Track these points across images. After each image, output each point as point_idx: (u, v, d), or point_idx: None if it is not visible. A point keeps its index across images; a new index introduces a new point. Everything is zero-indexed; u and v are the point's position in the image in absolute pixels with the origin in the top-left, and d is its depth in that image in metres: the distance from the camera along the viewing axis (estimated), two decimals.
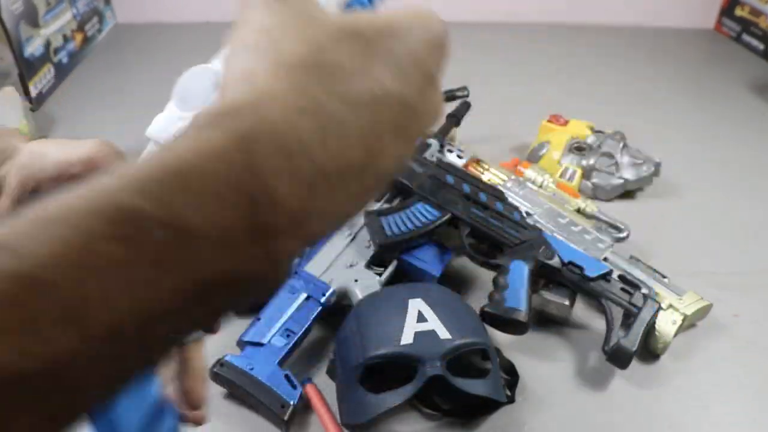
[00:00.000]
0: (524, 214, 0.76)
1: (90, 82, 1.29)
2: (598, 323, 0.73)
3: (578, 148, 0.98)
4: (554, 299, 0.71)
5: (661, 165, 0.98)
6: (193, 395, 0.39)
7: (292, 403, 0.59)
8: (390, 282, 0.71)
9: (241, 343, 0.63)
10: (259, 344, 0.62)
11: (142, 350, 0.17)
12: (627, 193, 0.98)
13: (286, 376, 0.60)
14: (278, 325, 0.64)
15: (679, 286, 0.74)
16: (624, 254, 0.78)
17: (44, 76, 1.20)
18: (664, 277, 0.76)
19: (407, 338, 0.57)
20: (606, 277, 0.70)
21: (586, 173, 0.96)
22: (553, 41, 1.58)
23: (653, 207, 0.97)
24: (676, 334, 0.69)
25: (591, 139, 0.99)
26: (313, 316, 0.66)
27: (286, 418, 0.58)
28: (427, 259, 0.73)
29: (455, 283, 0.77)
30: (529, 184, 0.86)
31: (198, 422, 0.38)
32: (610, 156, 0.96)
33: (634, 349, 0.64)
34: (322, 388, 0.63)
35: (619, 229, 0.83)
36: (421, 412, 0.62)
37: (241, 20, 0.23)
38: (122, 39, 1.49)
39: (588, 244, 0.77)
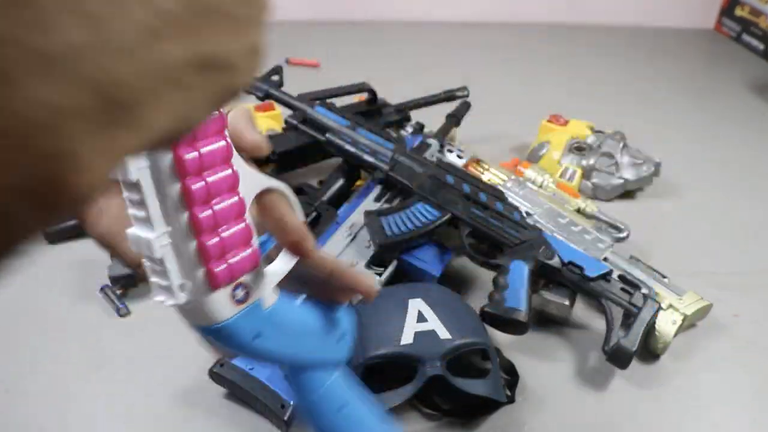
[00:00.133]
0: (524, 214, 0.76)
1: None
2: (598, 323, 0.73)
3: (578, 148, 0.98)
4: (554, 299, 0.71)
5: (661, 165, 0.98)
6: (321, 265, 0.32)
7: (292, 403, 0.59)
8: (390, 282, 0.71)
9: None
10: None
11: None
12: (627, 193, 0.98)
13: (286, 376, 0.60)
14: None
15: (679, 286, 0.74)
16: (624, 254, 0.78)
17: None
18: (664, 277, 0.76)
19: (407, 338, 0.57)
20: (606, 277, 0.70)
21: (586, 173, 0.96)
22: (553, 41, 1.58)
23: (653, 207, 0.97)
24: (676, 334, 0.69)
25: (591, 139, 0.99)
26: None
27: (286, 418, 0.58)
28: (427, 259, 0.73)
29: (455, 283, 0.77)
30: (529, 184, 0.86)
31: (368, 294, 0.34)
32: (610, 156, 0.96)
33: (634, 349, 0.64)
34: None
35: (619, 229, 0.83)
36: (421, 412, 0.62)
37: None
38: None
39: (588, 244, 0.77)
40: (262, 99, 0.88)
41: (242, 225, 0.28)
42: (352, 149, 0.79)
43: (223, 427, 0.60)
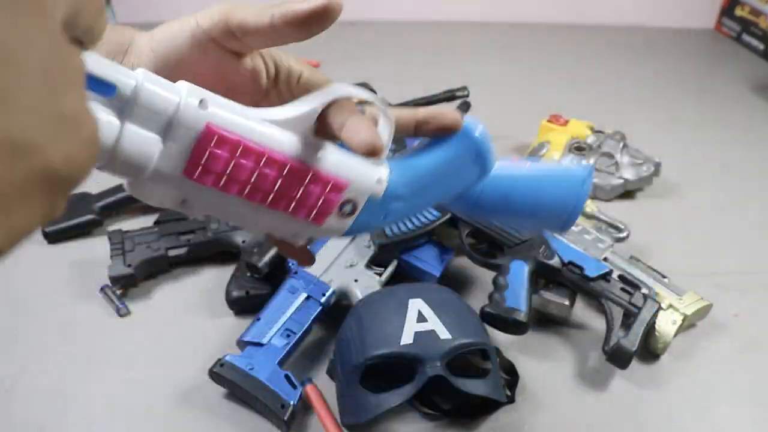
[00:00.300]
0: None
1: None
2: (598, 323, 0.73)
3: (578, 148, 0.98)
4: (554, 299, 0.71)
5: (661, 165, 0.98)
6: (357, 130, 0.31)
7: (292, 403, 0.59)
8: (390, 282, 0.71)
9: (241, 343, 0.64)
10: (259, 344, 0.62)
11: None
12: (627, 193, 0.98)
13: (286, 376, 0.60)
14: (278, 325, 0.64)
15: (679, 286, 0.74)
16: (624, 254, 0.78)
17: None
18: (664, 277, 0.76)
19: (407, 338, 0.57)
20: (606, 277, 0.70)
21: None
22: (553, 41, 1.58)
23: (653, 207, 0.97)
24: (676, 334, 0.69)
25: (591, 139, 0.99)
26: (313, 316, 0.66)
27: (286, 418, 0.58)
28: (427, 259, 0.73)
29: (455, 283, 0.77)
30: None
31: (456, 125, 0.34)
32: (610, 156, 0.96)
33: (634, 349, 0.64)
34: (322, 388, 0.63)
35: (619, 229, 0.83)
36: (421, 412, 0.62)
37: None
38: None
39: (588, 244, 0.77)
40: None
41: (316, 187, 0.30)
42: None
43: (223, 427, 0.60)
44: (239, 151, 0.28)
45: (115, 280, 0.73)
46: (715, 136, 1.18)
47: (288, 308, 0.66)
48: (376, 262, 0.72)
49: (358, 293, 0.67)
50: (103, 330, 0.70)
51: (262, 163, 0.29)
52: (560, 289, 0.72)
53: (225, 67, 0.33)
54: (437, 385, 0.57)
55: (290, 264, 0.70)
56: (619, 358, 0.64)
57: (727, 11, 1.65)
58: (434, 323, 0.59)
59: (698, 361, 0.71)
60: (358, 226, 0.33)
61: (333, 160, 0.31)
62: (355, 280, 0.69)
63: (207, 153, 0.27)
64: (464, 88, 1.00)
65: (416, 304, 0.60)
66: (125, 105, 0.26)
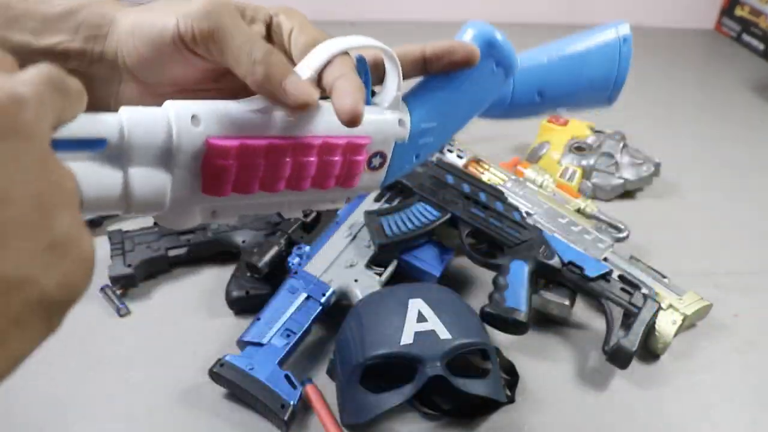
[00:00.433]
0: (524, 214, 0.76)
1: None
2: (598, 323, 0.73)
3: (578, 148, 0.98)
4: (554, 299, 0.71)
5: (661, 165, 0.98)
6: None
7: (292, 403, 0.59)
8: (390, 282, 0.71)
9: (241, 343, 0.63)
10: (259, 344, 0.62)
11: None
12: (627, 193, 0.98)
13: (286, 376, 0.60)
14: (278, 325, 0.64)
15: (679, 286, 0.74)
16: (624, 254, 0.78)
17: None
18: (664, 277, 0.76)
19: (407, 338, 0.57)
20: (606, 277, 0.70)
21: (586, 173, 0.96)
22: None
23: (653, 207, 0.97)
24: (676, 334, 0.69)
25: (591, 139, 0.99)
26: (313, 316, 0.66)
27: (286, 418, 0.58)
28: (427, 259, 0.73)
29: (455, 283, 0.77)
30: (529, 184, 0.86)
31: (472, 57, 0.32)
32: (610, 156, 0.96)
33: (634, 349, 0.64)
34: (322, 388, 0.63)
35: (619, 229, 0.83)
36: (421, 412, 0.62)
37: None
38: None
39: (588, 244, 0.77)
40: None
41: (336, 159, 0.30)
42: None
43: (223, 427, 0.60)
44: (246, 152, 0.28)
45: (115, 280, 0.73)
46: (715, 136, 1.18)
47: (288, 308, 0.65)
48: (376, 262, 0.72)
49: (358, 293, 0.67)
50: (103, 330, 0.70)
51: (270, 154, 0.28)
52: (560, 289, 0.72)
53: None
54: (437, 385, 0.57)
55: (290, 264, 0.70)
56: (619, 358, 0.64)
57: (727, 11, 1.65)
58: (434, 323, 0.59)
59: (698, 361, 0.71)
60: (393, 172, 0.32)
61: (339, 125, 0.30)
62: (355, 280, 0.69)
63: (216, 167, 0.27)
64: None
65: (416, 304, 0.60)
66: (121, 152, 0.25)
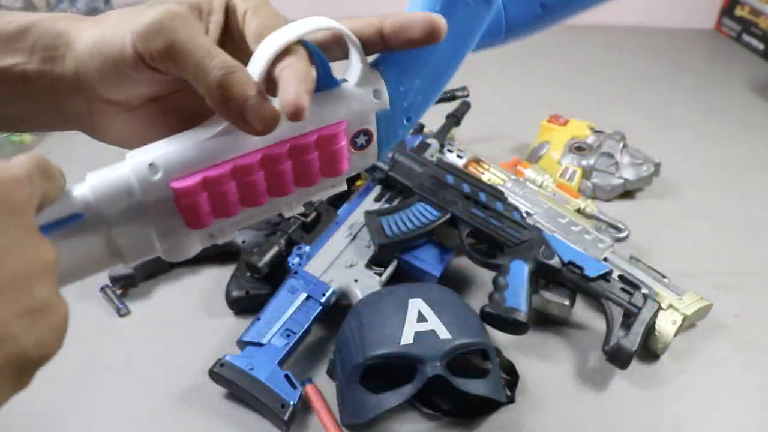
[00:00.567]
0: (524, 214, 0.76)
1: None
2: (598, 323, 0.73)
3: (578, 148, 0.98)
4: (554, 299, 0.71)
5: (661, 165, 0.98)
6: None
7: (292, 403, 0.59)
8: (390, 282, 0.71)
9: (241, 343, 0.64)
10: (259, 344, 0.62)
11: None
12: (627, 193, 0.98)
13: (286, 376, 0.60)
14: (278, 325, 0.64)
15: (679, 286, 0.74)
16: (624, 254, 0.78)
17: None
18: (664, 277, 0.76)
19: (407, 338, 0.57)
20: (606, 277, 0.70)
21: (586, 173, 0.96)
22: (553, 41, 1.58)
23: (653, 207, 0.97)
24: (676, 334, 0.69)
25: (591, 139, 0.99)
26: (313, 316, 0.66)
27: (286, 418, 0.58)
28: (427, 259, 0.73)
29: (455, 283, 0.77)
30: (529, 184, 0.86)
31: (436, 30, 0.28)
32: (610, 156, 0.96)
33: (634, 349, 0.64)
34: (322, 388, 0.63)
35: (619, 229, 0.83)
36: (421, 412, 0.62)
37: None
38: None
39: (588, 244, 0.77)
40: None
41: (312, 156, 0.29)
42: None
43: (223, 427, 0.60)
44: (210, 183, 0.27)
45: (115, 280, 0.73)
46: (715, 136, 1.18)
47: (288, 308, 0.65)
48: (376, 262, 0.72)
49: (358, 293, 0.67)
50: (103, 330, 0.70)
51: (238, 176, 0.28)
52: (560, 289, 0.72)
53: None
54: (437, 385, 0.57)
55: (290, 264, 0.70)
56: (619, 358, 0.64)
57: (727, 11, 1.65)
58: (434, 323, 0.59)
59: (698, 361, 0.71)
60: (386, 143, 0.31)
61: (308, 115, 0.28)
62: (355, 280, 0.69)
63: (188, 205, 0.27)
64: (464, 88, 1.00)
65: (416, 304, 0.60)
66: (97, 219, 0.27)
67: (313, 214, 0.75)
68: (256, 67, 0.27)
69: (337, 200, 0.79)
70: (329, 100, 0.29)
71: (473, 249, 0.72)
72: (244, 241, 0.76)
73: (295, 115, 0.25)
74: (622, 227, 0.83)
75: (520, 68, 1.42)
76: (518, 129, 1.10)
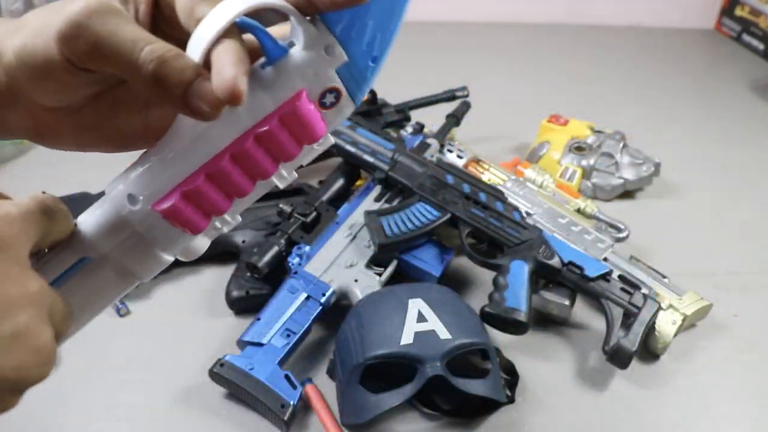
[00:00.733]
0: (524, 214, 0.76)
1: None
2: (598, 323, 0.73)
3: (578, 148, 0.98)
4: (554, 299, 0.71)
5: (661, 165, 0.98)
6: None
7: (292, 403, 0.59)
8: (390, 282, 0.71)
9: (241, 343, 0.64)
10: (259, 344, 0.62)
11: None
12: (627, 193, 0.98)
13: (286, 376, 0.60)
14: (278, 325, 0.64)
15: (679, 286, 0.74)
16: (624, 254, 0.78)
17: None
18: (664, 277, 0.76)
19: (407, 338, 0.57)
20: (606, 277, 0.70)
21: (586, 173, 0.96)
22: (553, 41, 1.58)
23: (653, 207, 0.97)
24: (676, 334, 0.69)
25: (591, 139, 0.99)
26: (313, 316, 0.66)
27: (286, 418, 0.58)
28: (427, 259, 0.73)
29: (455, 283, 0.77)
30: (529, 184, 0.86)
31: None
32: (610, 156, 0.96)
33: (634, 349, 0.64)
34: (322, 388, 0.63)
35: (619, 229, 0.83)
36: (421, 412, 0.62)
37: None
38: None
39: (588, 244, 0.77)
40: None
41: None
42: (352, 149, 0.79)
43: (223, 427, 0.60)
44: (189, 196, 0.28)
45: None
46: (715, 136, 1.18)
47: (288, 308, 0.65)
48: (376, 262, 0.72)
49: (358, 293, 0.67)
50: (103, 330, 0.70)
51: (214, 179, 0.28)
52: (560, 289, 0.72)
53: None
54: (437, 385, 0.57)
55: (290, 264, 0.70)
56: (619, 358, 0.64)
57: (727, 11, 1.65)
58: (434, 323, 0.59)
59: (698, 361, 0.71)
60: (358, 90, 0.30)
61: (263, 95, 0.27)
62: (355, 280, 0.69)
63: (177, 218, 0.28)
64: (464, 88, 1.00)
65: (416, 304, 0.60)
66: (102, 256, 0.29)
67: (313, 214, 0.75)
68: (196, 50, 0.26)
69: (337, 200, 0.79)
70: (282, 73, 0.28)
71: (473, 249, 0.72)
72: (244, 241, 0.76)
73: (234, 99, 0.24)
74: (622, 227, 0.83)
75: (520, 68, 1.42)
76: (518, 129, 1.10)
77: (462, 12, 1.64)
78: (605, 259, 0.75)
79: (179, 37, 0.28)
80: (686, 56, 1.55)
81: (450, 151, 0.90)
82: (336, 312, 0.68)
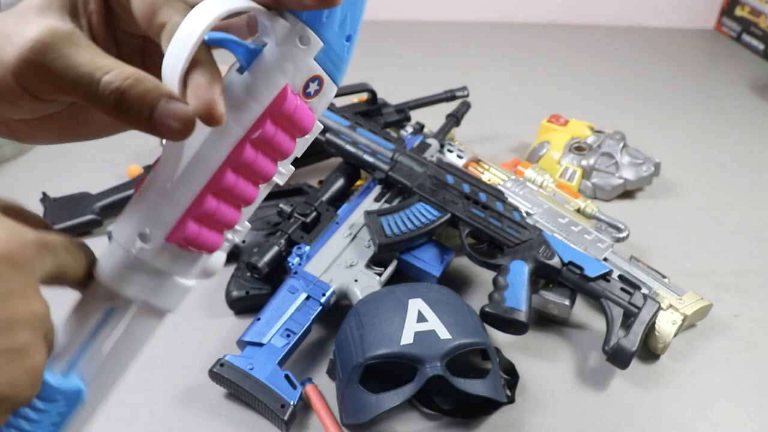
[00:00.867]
0: (524, 214, 0.76)
1: None
2: (598, 323, 0.73)
3: (578, 148, 0.98)
4: (554, 299, 0.71)
5: (661, 165, 0.98)
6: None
7: (292, 403, 0.59)
8: (390, 282, 0.71)
9: (241, 343, 0.64)
10: (259, 344, 0.62)
11: None
12: (627, 193, 0.98)
13: (286, 376, 0.60)
14: (278, 325, 0.64)
15: (679, 286, 0.74)
16: (624, 254, 0.78)
17: None
18: (664, 277, 0.76)
19: (407, 338, 0.57)
20: (606, 277, 0.70)
21: (586, 173, 0.96)
22: (553, 41, 1.58)
23: (653, 207, 0.97)
24: (676, 334, 0.69)
25: (591, 139, 0.99)
26: (313, 316, 0.66)
27: (286, 418, 0.58)
28: (427, 259, 0.73)
29: (455, 283, 0.77)
30: (529, 184, 0.86)
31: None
32: (610, 156, 0.96)
33: (634, 349, 0.64)
34: (322, 388, 0.63)
35: (619, 229, 0.83)
36: (421, 412, 0.62)
37: None
38: None
39: (588, 244, 0.77)
40: None
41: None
42: (352, 149, 0.79)
43: (223, 427, 0.60)
44: (198, 217, 0.28)
45: None
46: (715, 136, 1.18)
47: (288, 308, 0.66)
48: (376, 262, 0.72)
49: (358, 293, 0.67)
50: None
51: (217, 195, 0.28)
52: (560, 289, 0.72)
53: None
54: (437, 385, 0.57)
55: (290, 264, 0.70)
56: (619, 358, 0.64)
57: (727, 11, 1.65)
58: (434, 323, 0.59)
59: (698, 361, 0.71)
60: (338, 72, 0.30)
61: (248, 102, 0.27)
62: (355, 280, 0.69)
63: (193, 244, 0.28)
64: (464, 88, 1.00)
65: (416, 304, 0.60)
66: (126, 301, 0.29)
67: (313, 214, 0.75)
68: (172, 79, 0.25)
69: (337, 200, 0.79)
70: (262, 74, 0.27)
71: (473, 249, 0.72)
72: (244, 241, 0.76)
73: (212, 120, 0.24)
74: (622, 227, 0.83)
75: (520, 68, 1.42)
76: (518, 129, 1.10)
77: (462, 12, 1.64)
78: (605, 259, 0.75)
79: (135, 32, 0.29)
80: (686, 56, 1.55)
81: (450, 151, 0.90)
82: (336, 312, 0.68)
